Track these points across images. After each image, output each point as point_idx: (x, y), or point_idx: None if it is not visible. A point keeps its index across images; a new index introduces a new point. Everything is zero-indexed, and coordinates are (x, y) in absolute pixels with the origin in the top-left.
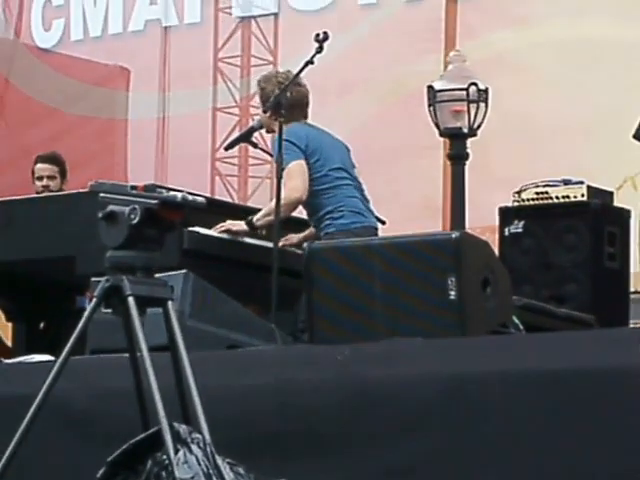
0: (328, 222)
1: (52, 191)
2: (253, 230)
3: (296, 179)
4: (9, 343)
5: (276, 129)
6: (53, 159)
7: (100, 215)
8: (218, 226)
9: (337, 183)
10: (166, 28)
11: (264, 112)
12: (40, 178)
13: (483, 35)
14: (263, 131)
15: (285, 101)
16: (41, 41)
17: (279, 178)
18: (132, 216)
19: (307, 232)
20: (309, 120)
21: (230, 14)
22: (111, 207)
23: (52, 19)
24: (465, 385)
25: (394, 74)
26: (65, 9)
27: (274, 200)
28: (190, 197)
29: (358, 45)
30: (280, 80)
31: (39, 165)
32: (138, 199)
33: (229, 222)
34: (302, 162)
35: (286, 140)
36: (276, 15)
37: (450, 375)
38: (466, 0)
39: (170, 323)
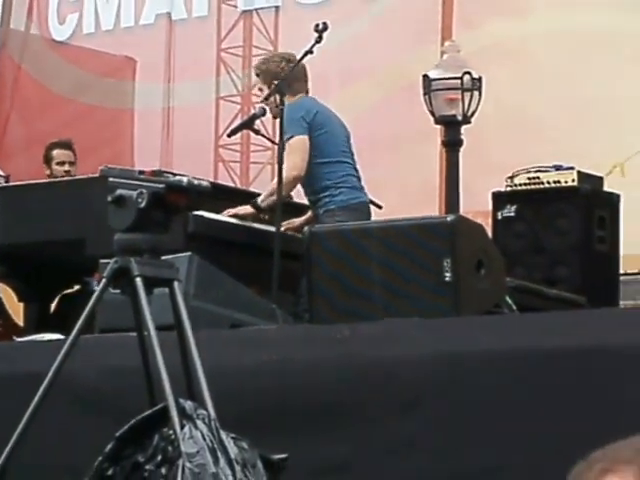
0: (327, 200)
1: (72, 176)
2: (259, 212)
3: (295, 155)
4: (21, 323)
5: (280, 109)
6: (71, 145)
7: (109, 199)
8: (225, 212)
9: (339, 159)
10: (173, 21)
11: (268, 95)
12: (62, 163)
13: (479, 26)
14: (264, 118)
15: (288, 78)
16: (56, 34)
17: (280, 163)
18: (140, 200)
19: (307, 216)
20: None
21: (235, 7)
22: (120, 191)
23: (67, 13)
24: (460, 363)
25: (393, 64)
26: (79, 3)
27: (275, 180)
28: (195, 182)
29: (358, 36)
30: (282, 56)
31: (60, 151)
32: (145, 183)
33: (237, 208)
34: (305, 138)
35: (294, 113)
36: (277, 7)
37: (445, 353)
38: None
39: (176, 303)
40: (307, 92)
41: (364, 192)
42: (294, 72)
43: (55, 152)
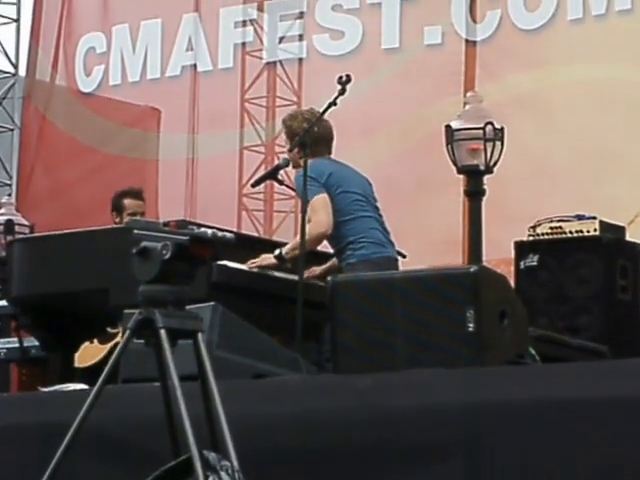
0: (349, 253)
1: None
2: (282, 263)
3: (320, 213)
4: None
5: (302, 164)
6: (142, 195)
7: (134, 251)
8: (250, 262)
9: (358, 215)
10: (198, 72)
11: (289, 150)
12: (134, 214)
13: (501, 77)
14: (288, 168)
15: (310, 138)
16: (83, 86)
17: (303, 213)
18: (164, 252)
19: (329, 264)
20: (334, 157)
21: (260, 58)
22: (144, 243)
23: (93, 65)
24: (483, 414)
25: (416, 115)
26: (106, 56)
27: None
28: (220, 233)
29: (381, 87)
30: (306, 117)
31: (132, 201)
32: (170, 235)
33: (261, 257)
34: (324, 196)
35: (308, 176)
36: (300, 59)
37: (468, 404)
38: (485, 44)
39: (200, 354)
40: (329, 153)
41: (390, 248)
42: (318, 135)
43: (127, 202)
